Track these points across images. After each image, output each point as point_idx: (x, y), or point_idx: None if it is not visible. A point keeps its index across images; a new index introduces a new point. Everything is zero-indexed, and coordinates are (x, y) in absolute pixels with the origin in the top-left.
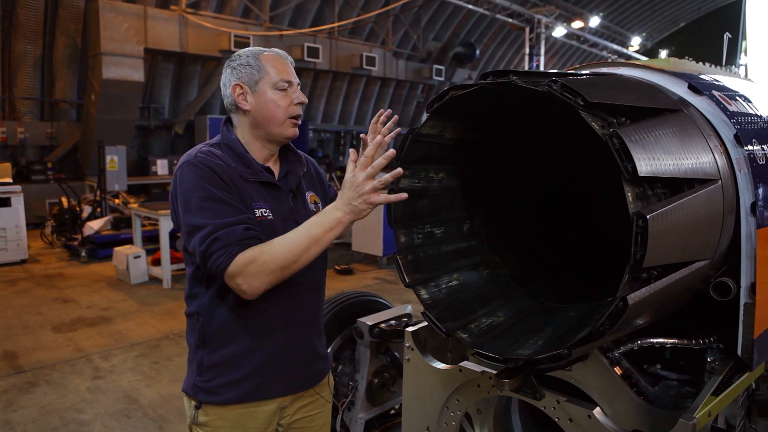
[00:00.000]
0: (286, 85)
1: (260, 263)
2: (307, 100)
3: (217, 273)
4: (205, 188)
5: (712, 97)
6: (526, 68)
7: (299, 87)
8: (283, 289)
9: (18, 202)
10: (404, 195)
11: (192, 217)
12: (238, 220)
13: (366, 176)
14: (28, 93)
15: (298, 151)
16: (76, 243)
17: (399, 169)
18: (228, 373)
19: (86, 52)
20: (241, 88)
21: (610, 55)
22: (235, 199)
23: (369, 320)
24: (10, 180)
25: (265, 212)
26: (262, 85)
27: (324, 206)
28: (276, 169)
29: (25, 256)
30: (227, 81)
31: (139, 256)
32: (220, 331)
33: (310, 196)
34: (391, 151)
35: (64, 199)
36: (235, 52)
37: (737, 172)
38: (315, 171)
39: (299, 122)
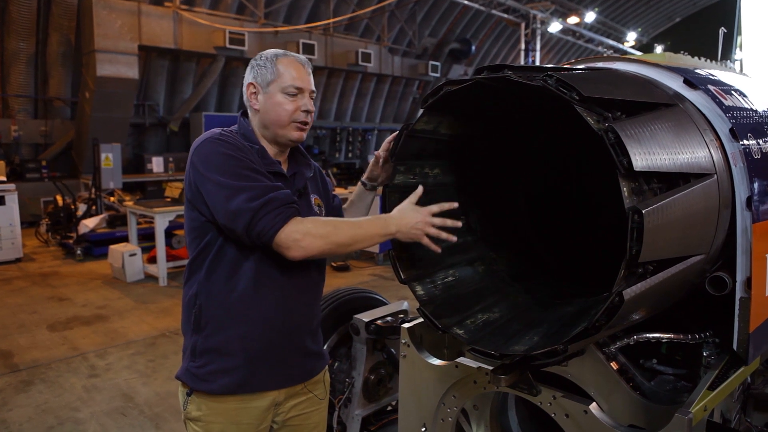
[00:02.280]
0: (296, 91)
1: (325, 232)
2: (314, 110)
3: (272, 231)
4: (239, 158)
5: (707, 92)
6: (522, 64)
7: (313, 95)
8: (282, 280)
9: (12, 201)
10: (453, 238)
11: (230, 179)
12: (277, 185)
13: (437, 222)
14: (21, 91)
15: (308, 156)
16: (71, 241)
17: (453, 204)
18: (220, 360)
19: (80, 49)
20: (254, 87)
21: (605, 50)
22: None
23: (365, 317)
24: (4, 178)
25: None
26: (273, 88)
27: (326, 212)
28: (285, 168)
29: (20, 254)
30: (246, 78)
31: (134, 254)
32: (215, 316)
33: (314, 199)
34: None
35: (58, 197)
36: (229, 48)
37: (733, 167)
38: (321, 177)
39: (306, 128)
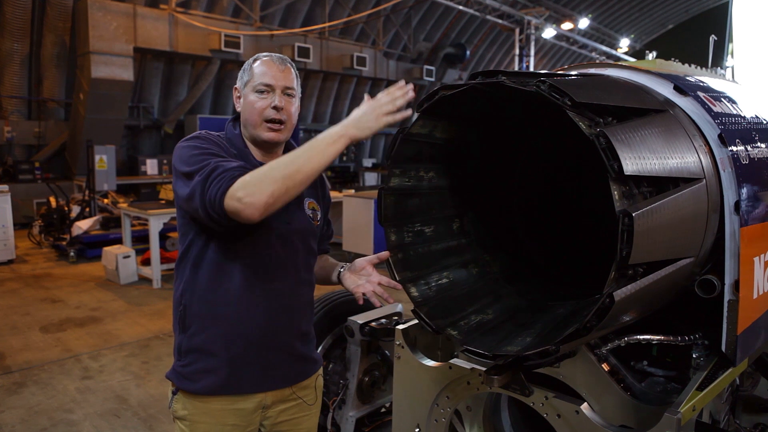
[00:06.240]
0: (265, 88)
1: (262, 173)
2: (282, 105)
3: (218, 196)
4: (204, 148)
5: (697, 98)
6: (516, 69)
7: (290, 91)
8: (267, 280)
9: (5, 202)
10: (408, 112)
11: (190, 167)
12: (231, 161)
13: (386, 99)
14: (15, 92)
15: None
16: (64, 243)
17: (408, 112)
18: (204, 359)
19: (75, 50)
20: (237, 91)
21: (599, 56)
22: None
23: (359, 319)
24: None
25: None
26: (247, 88)
27: (322, 215)
28: None
29: (13, 256)
30: None
31: (128, 256)
32: (198, 315)
33: (308, 203)
34: (408, 111)
35: (52, 199)
36: (225, 51)
37: (721, 172)
38: (321, 183)
39: (278, 127)
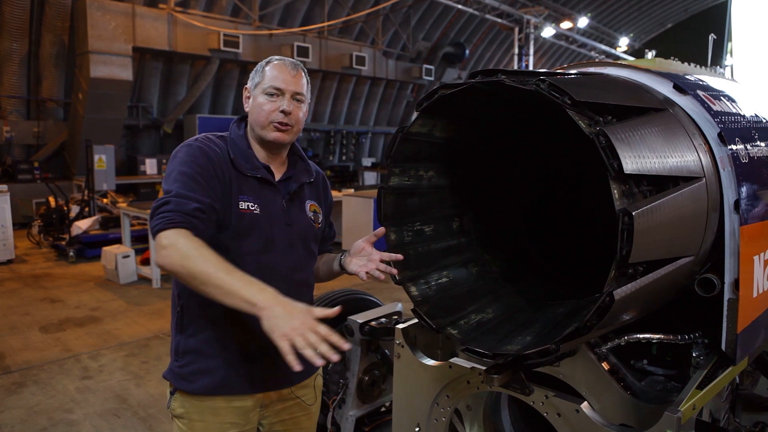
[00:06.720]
0: (275, 91)
1: (190, 253)
2: (290, 110)
3: (154, 231)
4: (188, 164)
5: (696, 97)
6: (515, 68)
7: (300, 97)
8: (268, 280)
9: (4, 202)
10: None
11: (165, 184)
12: (196, 198)
13: (315, 339)
14: (14, 91)
15: (311, 163)
16: (63, 243)
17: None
18: (201, 360)
19: (74, 50)
20: (247, 91)
21: (598, 55)
22: (213, 183)
23: (359, 318)
24: None
25: (252, 206)
26: (257, 90)
27: (323, 216)
28: (280, 172)
29: (12, 256)
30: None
31: (128, 256)
32: (196, 316)
33: (310, 205)
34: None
35: (51, 199)
36: (224, 50)
37: (721, 171)
38: (323, 185)
39: (285, 128)
